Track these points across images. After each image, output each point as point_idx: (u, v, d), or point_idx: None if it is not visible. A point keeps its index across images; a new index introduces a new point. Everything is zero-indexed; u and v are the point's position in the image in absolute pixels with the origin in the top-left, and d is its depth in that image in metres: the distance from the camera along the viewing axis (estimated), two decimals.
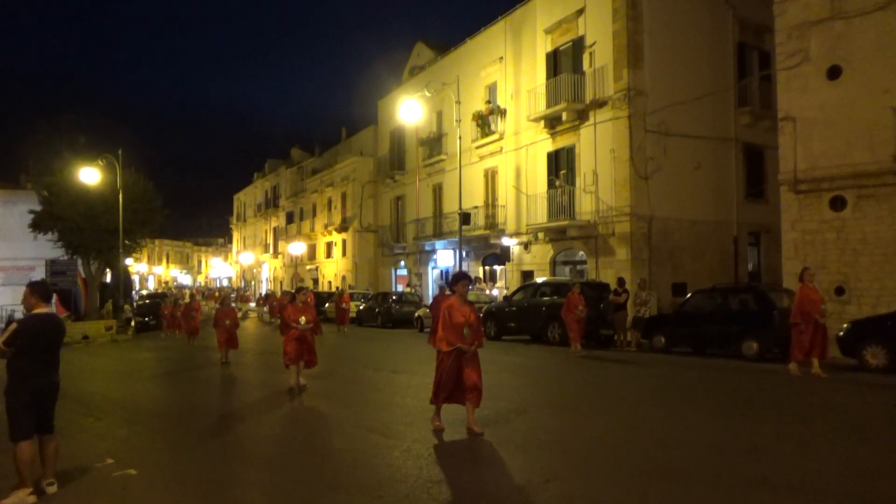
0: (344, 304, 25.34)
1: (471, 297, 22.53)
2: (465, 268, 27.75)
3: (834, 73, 16.02)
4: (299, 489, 5.39)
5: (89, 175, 26.71)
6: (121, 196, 27.57)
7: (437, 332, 7.17)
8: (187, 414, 9.29)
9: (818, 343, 11.02)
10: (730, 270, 21.93)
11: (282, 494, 5.29)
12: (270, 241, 61.22)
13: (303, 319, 10.68)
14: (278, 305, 30.09)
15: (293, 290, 13.45)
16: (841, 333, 12.41)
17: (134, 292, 46.18)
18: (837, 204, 16.02)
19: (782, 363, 12.75)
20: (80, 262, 29.78)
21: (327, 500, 5.09)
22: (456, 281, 7.38)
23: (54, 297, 29.27)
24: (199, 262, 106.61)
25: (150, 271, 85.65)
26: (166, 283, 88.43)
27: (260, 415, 9.16)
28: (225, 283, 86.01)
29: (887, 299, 14.44)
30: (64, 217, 27.97)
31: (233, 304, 17.43)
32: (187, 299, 22.30)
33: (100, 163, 27.28)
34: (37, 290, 5.57)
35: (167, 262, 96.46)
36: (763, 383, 10.67)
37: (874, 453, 6.13)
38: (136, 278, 66.02)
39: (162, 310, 25.29)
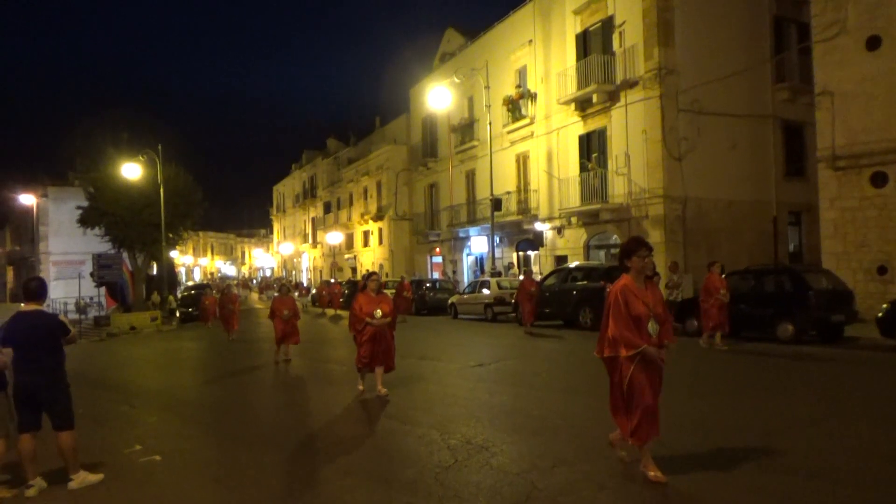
0: (406, 293, 23.42)
1: (504, 283, 22.89)
2: (498, 254, 27.75)
3: (873, 43, 15.40)
4: (311, 473, 5.54)
5: (131, 171, 27.52)
6: (161, 190, 28.35)
7: (608, 330, 4.90)
8: (218, 403, 9.57)
9: (722, 320, 12.33)
10: (769, 251, 21.36)
11: (293, 478, 5.43)
12: (309, 230, 62.13)
13: (378, 313, 8.62)
14: (328, 294, 30.49)
15: (362, 277, 9.78)
16: (880, 314, 12.01)
17: (180, 284, 47.58)
18: (878, 180, 15.45)
19: (819, 345, 12.45)
20: (126, 255, 30.80)
21: (336, 484, 5.21)
22: (631, 251, 4.94)
23: (102, 290, 30.59)
24: (243, 253, 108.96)
25: (195, 263, 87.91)
26: (211, 274, 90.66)
27: (279, 402, 9.40)
28: (268, 273, 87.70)
29: None
30: (109, 212, 28.94)
31: (293, 294, 16.20)
32: (230, 290, 22.58)
33: (141, 158, 28.08)
34: (22, 288, 5.64)
35: (212, 253, 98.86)
36: (794, 366, 10.42)
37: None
38: (181, 270, 67.96)
39: (203, 301, 25.88)
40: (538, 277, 23.23)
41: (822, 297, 12.94)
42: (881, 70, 15.23)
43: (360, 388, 8.96)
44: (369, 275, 9.18)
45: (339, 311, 29.05)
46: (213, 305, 25.29)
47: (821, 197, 16.66)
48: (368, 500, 4.83)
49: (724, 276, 13.23)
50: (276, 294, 15.28)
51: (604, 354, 4.94)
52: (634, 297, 4.81)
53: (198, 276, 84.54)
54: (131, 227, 29.17)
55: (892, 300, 12.45)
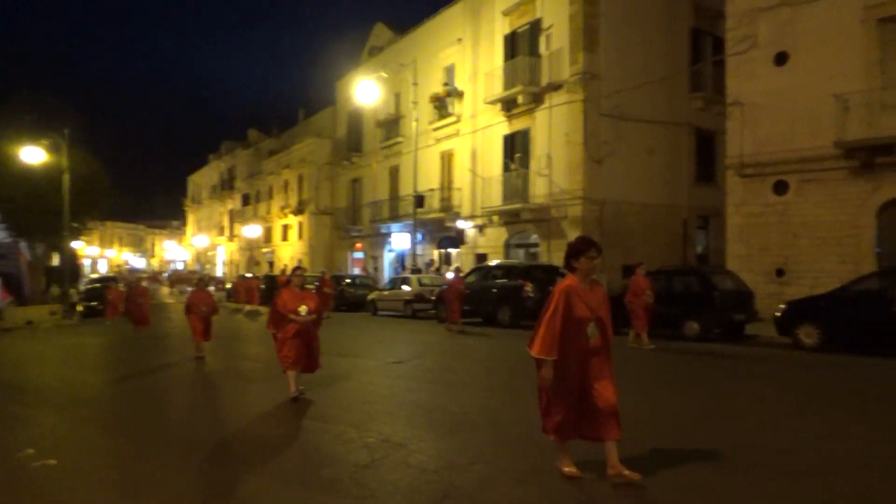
0: (327, 289, 22.40)
1: (425, 280, 22.85)
2: (419, 251, 27.71)
3: (781, 59, 16.33)
4: (223, 475, 5.27)
5: (32, 154, 25.70)
6: (66, 177, 26.65)
7: (541, 330, 4.68)
8: (123, 403, 9.02)
9: (648, 320, 12.73)
10: (679, 253, 22.32)
11: (203, 479, 5.16)
12: (226, 223, 60.17)
13: (303, 309, 8.11)
14: (244, 289, 29.31)
15: (288, 271, 9.56)
16: (777, 314, 12.74)
17: (83, 276, 44.97)
18: (780, 188, 16.40)
19: (722, 343, 13.08)
20: (23, 244, 28.83)
21: (249, 486, 4.98)
22: (579, 251, 4.78)
23: None
24: (153, 245, 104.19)
25: (101, 254, 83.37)
26: (118, 266, 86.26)
27: (191, 401, 9.00)
28: (180, 266, 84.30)
29: (825, 280, 14.86)
30: (7, 197, 27.01)
31: (210, 288, 15.01)
32: (139, 283, 21.30)
33: (44, 142, 26.29)
34: None
35: (119, 244, 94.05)
36: (697, 362, 10.89)
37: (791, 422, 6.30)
38: (86, 262, 64.30)
39: (107, 294, 24.39)
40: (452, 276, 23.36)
41: (726, 298, 13.63)
42: (787, 84, 16.17)
43: (293, 390, 8.07)
44: (294, 269, 8.75)
45: (257, 307, 28.22)
46: (119, 299, 23.96)
47: (728, 203, 17.53)
48: (283, 501, 4.64)
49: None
50: (191, 288, 14.57)
51: (537, 354, 4.73)
52: (578, 298, 4.66)
53: (104, 269, 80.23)
54: (32, 215, 27.32)
55: (788, 301, 13.24)
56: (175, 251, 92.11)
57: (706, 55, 23.40)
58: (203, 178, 68.24)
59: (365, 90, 26.43)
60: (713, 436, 6.13)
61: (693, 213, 23.14)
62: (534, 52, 22.39)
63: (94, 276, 51.80)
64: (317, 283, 22.74)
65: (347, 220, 36.54)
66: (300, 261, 41.10)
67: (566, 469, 4.84)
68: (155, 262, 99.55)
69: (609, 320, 4.81)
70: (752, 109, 16.87)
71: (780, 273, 16.30)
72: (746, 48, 16.94)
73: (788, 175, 16.26)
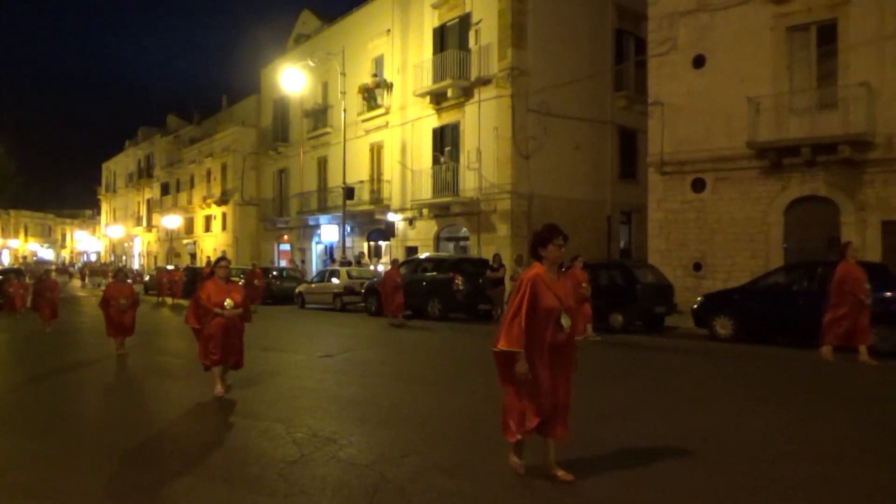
0: (257, 281, 21.72)
1: (353, 272, 22.57)
2: (349, 243, 27.39)
3: (699, 61, 17.01)
4: (144, 475, 5.02)
5: None
6: None
7: (508, 323, 4.48)
8: (32, 402, 8.46)
9: (588, 312, 12.53)
10: (603, 247, 22.98)
11: (123, 482, 4.90)
12: (144, 213, 57.59)
13: (229, 302, 7.71)
14: (168, 281, 27.97)
15: (211, 263, 8.40)
16: (695, 306, 13.31)
17: None
18: (698, 186, 17.12)
19: (644, 335, 13.56)
20: None
21: (173, 485, 4.77)
22: (546, 240, 4.57)
23: None
24: (63, 236, 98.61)
25: (3, 245, 78.25)
26: (24, 258, 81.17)
27: (108, 400, 8.56)
28: (93, 257, 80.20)
29: (738, 274, 15.64)
30: None
31: (129, 280, 13.71)
32: (48, 276, 19.85)
33: None
34: None
35: (25, 235, 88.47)
36: (622, 354, 11.24)
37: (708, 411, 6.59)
38: None
39: (7, 288, 22.73)
40: (389, 268, 23.26)
41: (648, 291, 14.15)
42: (704, 86, 16.87)
43: (219, 389, 7.71)
44: (218, 260, 8.31)
45: (179, 301, 27.20)
46: (21, 292, 22.46)
47: (650, 199, 18.17)
48: (210, 500, 4.46)
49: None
50: (109, 280, 13.69)
51: (506, 346, 4.47)
52: (546, 288, 4.46)
53: (6, 260, 75.32)
54: None
55: (704, 294, 13.87)
56: (88, 242, 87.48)
57: (629, 55, 24.13)
58: (119, 166, 65.05)
59: (291, 78, 25.86)
60: (638, 424, 6.32)
61: (616, 208, 23.85)
62: (463, 45, 22.47)
63: None
64: (244, 276, 22.14)
65: (274, 211, 35.70)
66: (224, 252, 39.84)
67: (514, 459, 4.77)
68: (66, 254, 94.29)
69: (579, 310, 4.65)
70: (671, 109, 17.52)
71: (697, 267, 17.04)
72: (667, 50, 17.58)
73: (705, 173, 17.00)
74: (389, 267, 17.00)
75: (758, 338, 12.15)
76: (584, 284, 12.33)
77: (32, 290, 18.38)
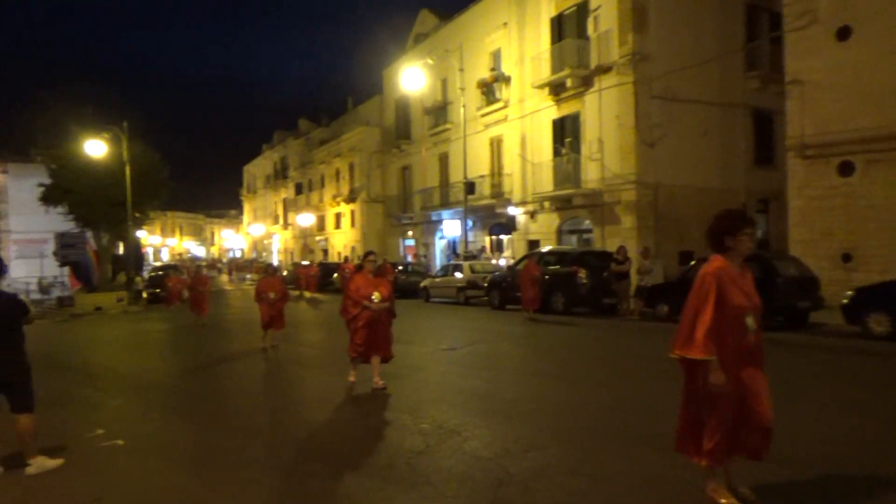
0: (389, 277, 23.83)
1: (477, 266, 22.82)
2: (471, 238, 27.70)
3: (843, 33, 15.57)
4: (279, 458, 5.43)
5: (95, 147, 26.72)
6: (127, 168, 27.61)
7: (688, 325, 3.89)
8: (185, 387, 9.37)
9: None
10: None
11: (260, 463, 5.32)
12: (280, 212, 61.38)
13: (376, 296, 7.77)
14: (304, 276, 29.98)
15: (360, 257, 9.15)
16: (845, 301, 12.23)
17: (147, 264, 46.67)
18: (845, 169, 15.71)
19: (786, 332, 12.67)
20: (90, 234, 30.03)
21: (304, 469, 5.12)
22: (736, 228, 4.01)
23: (66, 270, 29.83)
24: (212, 234, 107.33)
25: (163, 243, 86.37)
26: (179, 254, 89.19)
27: (252, 385, 9.25)
28: (237, 254, 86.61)
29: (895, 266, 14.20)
30: (72, 190, 28.13)
31: (278, 274, 14.32)
32: (200, 271, 21.73)
33: (105, 135, 27.28)
34: None
35: (180, 233, 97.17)
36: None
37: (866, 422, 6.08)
38: (149, 250, 66.72)
39: (167, 282, 25.19)
40: (511, 262, 23.29)
41: (790, 285, 13.16)
42: (850, 60, 15.42)
43: (351, 379, 8.08)
44: (367, 254, 8.36)
45: (315, 294, 28.89)
46: (178, 287, 24.75)
47: (789, 185, 16.90)
48: (338, 486, 4.75)
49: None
50: (249, 276, 14.61)
51: (681, 354, 3.92)
52: (733, 284, 3.86)
53: (165, 257, 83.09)
54: (96, 206, 28.40)
55: (856, 287, 12.71)
56: (233, 240, 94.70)
57: (762, 32, 22.47)
58: (258, 168, 69.73)
59: (411, 77, 26.48)
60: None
61: (752, 196, 22.39)
62: (581, 34, 21.97)
63: (157, 264, 53.78)
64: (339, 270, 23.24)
65: (398, 207, 36.80)
66: (353, 248, 41.67)
67: (723, 501, 3.95)
68: (214, 251, 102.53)
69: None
70: (812, 87, 16.16)
71: (846, 258, 15.65)
72: (806, 23, 16.21)
73: (854, 156, 15.55)
74: (527, 261, 16.72)
75: None
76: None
77: (189, 285, 20.09)
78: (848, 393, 7.42)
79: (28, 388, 5.31)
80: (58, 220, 30.61)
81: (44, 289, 31.10)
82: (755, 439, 3.91)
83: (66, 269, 30.76)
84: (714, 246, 4.07)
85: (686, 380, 4.05)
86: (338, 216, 45.98)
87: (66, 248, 28.21)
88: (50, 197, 29.04)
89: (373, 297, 7.74)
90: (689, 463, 4.74)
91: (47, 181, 29.12)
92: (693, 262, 16.45)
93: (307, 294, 28.91)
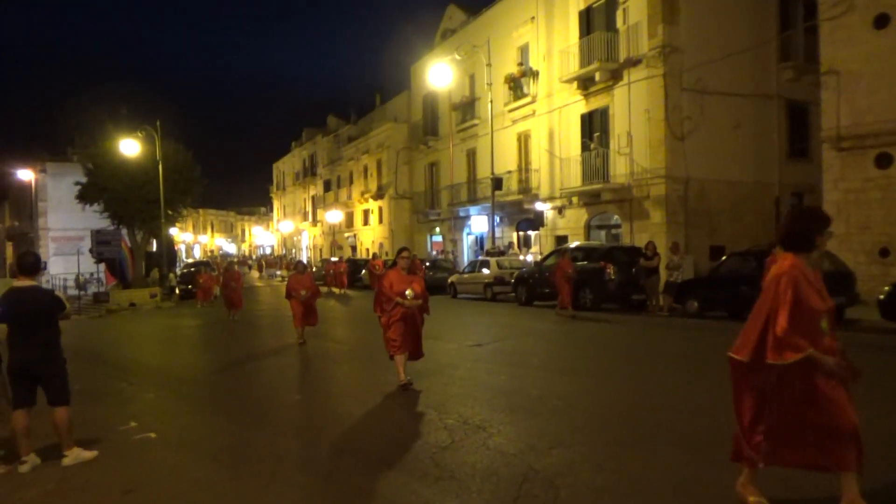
0: (376, 270, 24.76)
1: (504, 262, 22.78)
2: (498, 233, 27.63)
3: (881, 21, 15.14)
4: (307, 452, 5.51)
5: (129, 146, 27.30)
6: (160, 167, 28.15)
7: (757, 329, 3.72)
8: (216, 381, 9.54)
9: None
10: (771, 232, 21.21)
11: (289, 457, 5.40)
12: (309, 209, 61.98)
13: (409, 292, 7.71)
14: (334, 272, 30.40)
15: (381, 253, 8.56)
16: (881, 296, 11.92)
17: (180, 261, 47.56)
18: (883, 161, 15.30)
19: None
20: (125, 231, 30.70)
21: (331, 463, 5.18)
22: (822, 226, 3.82)
23: (102, 266, 30.56)
24: (243, 231, 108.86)
25: (195, 240, 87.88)
26: (211, 251, 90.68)
27: (281, 380, 9.37)
28: (268, 250, 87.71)
29: None
30: (108, 188, 28.77)
31: (308, 271, 14.20)
32: (232, 268, 22.03)
33: (139, 134, 27.85)
34: (17, 263, 5.56)
35: (212, 230, 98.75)
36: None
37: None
38: (181, 247, 67.94)
39: (198, 278, 25.63)
40: (539, 258, 23.19)
41: (824, 280, 12.85)
42: (888, 48, 14.99)
43: (402, 378, 7.71)
44: (400, 250, 8.26)
45: (345, 290, 29.18)
46: (209, 283, 25.18)
47: (824, 178, 16.52)
48: (364, 479, 4.78)
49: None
50: (280, 272, 14.71)
51: (780, 358, 3.58)
52: (809, 285, 3.64)
53: (198, 254, 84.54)
54: (130, 204, 29.01)
55: (893, 283, 12.36)
56: (263, 236, 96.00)
57: (796, 21, 21.92)
58: (287, 165, 70.48)
59: (439, 73, 26.47)
60: None
61: (785, 190, 21.91)
62: (610, 26, 21.71)
63: (189, 260, 54.77)
64: (368, 266, 23.55)
65: (426, 203, 36.86)
66: (381, 244, 41.91)
67: (752, 499, 3.86)
68: (245, 247, 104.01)
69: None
70: (849, 77, 15.75)
71: (884, 253, 15.24)
72: (842, 12, 15.78)
73: (891, 147, 15.12)
74: (561, 257, 16.46)
75: None
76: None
77: (222, 282, 20.38)
78: (890, 390, 7.24)
79: (64, 382, 5.46)
80: (94, 218, 31.36)
81: (80, 285, 31.88)
82: (835, 445, 3.61)
83: (102, 266, 31.55)
84: (798, 245, 3.79)
85: (750, 385, 3.80)
86: (366, 213, 46.25)
87: (102, 245, 28.91)
88: (86, 195, 29.75)
89: (406, 293, 7.69)
90: (719, 464, 4.69)
91: (84, 180, 29.83)
92: (724, 258, 16.25)
93: (336, 290, 29.18)
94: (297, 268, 13.46)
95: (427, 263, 27.99)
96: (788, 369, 3.58)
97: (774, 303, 3.65)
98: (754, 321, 3.77)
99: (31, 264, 5.50)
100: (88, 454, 5.47)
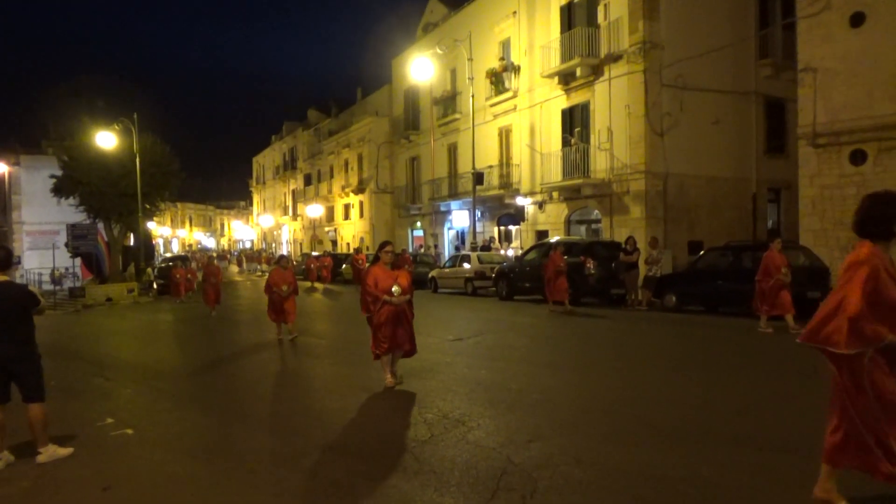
0: (360, 265, 24.69)
1: (484, 257, 22.83)
2: (479, 228, 27.67)
3: (857, 20, 15.35)
4: (287, 447, 5.48)
5: (106, 139, 26.88)
6: (137, 160, 27.77)
7: (826, 318, 3.49)
8: (195, 377, 9.45)
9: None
10: (748, 228, 21.54)
11: (269, 452, 5.37)
12: (289, 203, 61.57)
13: (396, 289, 7.36)
14: (316, 267, 30.14)
15: (360, 246, 8.28)
16: None
17: (158, 255, 47.01)
18: (858, 158, 15.54)
19: (797, 321, 12.58)
20: (101, 225, 30.25)
21: (310, 458, 5.16)
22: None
23: (78, 261, 30.08)
24: (222, 225, 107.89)
25: (173, 234, 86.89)
26: (189, 246, 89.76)
27: (260, 375, 9.31)
28: (248, 245, 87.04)
29: None
30: (84, 182, 28.29)
31: (290, 266, 13.75)
32: (212, 262, 21.71)
33: (116, 127, 27.43)
34: None
35: (190, 225, 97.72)
36: (769, 343, 10.54)
37: None
38: (159, 241, 67.12)
39: (173, 273, 25.28)
40: (519, 252, 23.27)
41: (799, 274, 13.06)
42: (864, 47, 15.21)
43: (389, 380, 7.51)
44: (383, 245, 7.78)
45: (330, 286, 29.05)
46: (184, 278, 24.87)
47: (800, 174, 16.75)
48: (343, 474, 4.78)
49: (782, 252, 12.01)
50: (259, 266, 14.55)
51: (841, 348, 3.35)
52: (889, 276, 3.34)
53: (176, 248, 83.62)
54: (107, 198, 28.58)
55: None
56: (243, 231, 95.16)
57: (775, 19, 22.16)
58: (267, 159, 69.91)
59: (420, 67, 26.38)
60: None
61: (763, 185, 22.21)
62: (592, 22, 21.78)
63: (167, 255, 54.14)
64: (351, 261, 23.43)
65: (407, 198, 36.78)
66: (362, 239, 41.78)
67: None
68: (225, 242, 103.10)
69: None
70: (825, 75, 15.96)
71: None
72: (819, 10, 15.98)
73: (866, 144, 15.37)
74: (553, 251, 16.28)
75: None
76: (783, 269, 11.18)
77: (202, 277, 20.13)
78: None
79: (38, 378, 5.38)
80: (70, 212, 30.85)
81: (56, 280, 31.39)
82: None
83: (78, 260, 31.06)
84: (875, 232, 3.54)
85: (841, 377, 3.49)
86: (346, 207, 46.05)
87: (78, 240, 28.49)
88: (62, 188, 29.25)
89: (393, 290, 7.33)
90: (697, 457, 4.76)
91: (59, 173, 29.32)
92: (702, 253, 16.44)
93: (319, 286, 29.03)
94: (280, 262, 13.27)
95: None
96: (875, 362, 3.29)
97: (842, 289, 3.39)
98: (827, 308, 3.48)
99: (2, 259, 5.40)
100: (64, 451, 5.40)
